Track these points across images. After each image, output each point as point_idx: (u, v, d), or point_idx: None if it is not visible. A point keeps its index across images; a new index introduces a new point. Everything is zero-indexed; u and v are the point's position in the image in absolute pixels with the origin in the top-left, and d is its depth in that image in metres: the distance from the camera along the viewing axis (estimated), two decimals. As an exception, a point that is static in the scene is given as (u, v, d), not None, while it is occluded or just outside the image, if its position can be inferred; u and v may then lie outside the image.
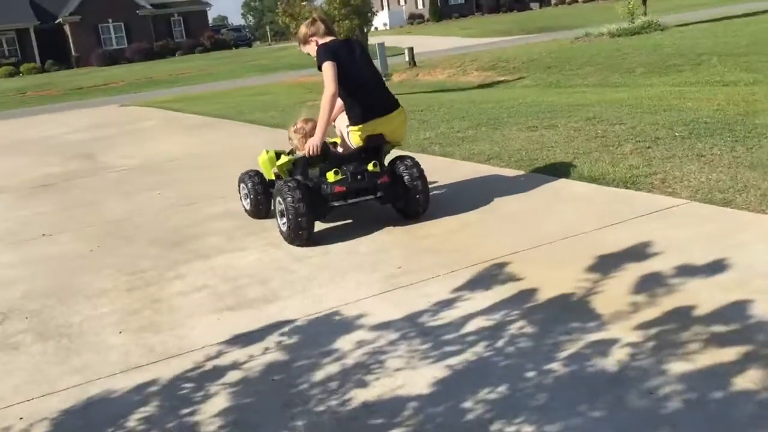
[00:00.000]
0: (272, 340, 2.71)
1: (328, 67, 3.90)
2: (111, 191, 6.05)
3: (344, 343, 2.60)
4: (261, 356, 2.57)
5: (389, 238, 3.81)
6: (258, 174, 4.48)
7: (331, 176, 3.86)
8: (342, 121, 4.13)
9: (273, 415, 2.17)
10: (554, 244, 3.39)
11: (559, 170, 4.78)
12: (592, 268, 3.01)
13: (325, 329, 2.76)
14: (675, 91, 8.49)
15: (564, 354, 2.29)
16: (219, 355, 2.64)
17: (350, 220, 4.23)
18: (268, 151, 4.42)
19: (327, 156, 3.95)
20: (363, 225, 4.08)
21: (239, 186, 4.61)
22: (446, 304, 2.85)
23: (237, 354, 2.62)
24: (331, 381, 2.33)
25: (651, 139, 5.38)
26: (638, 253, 3.10)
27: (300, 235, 3.77)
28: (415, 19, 65.62)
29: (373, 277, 3.24)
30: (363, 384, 2.28)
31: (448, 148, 6.07)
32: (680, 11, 26.28)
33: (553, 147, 5.54)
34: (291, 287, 3.25)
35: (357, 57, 4.11)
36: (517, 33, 30.78)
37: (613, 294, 2.71)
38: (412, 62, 18.41)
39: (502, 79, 13.97)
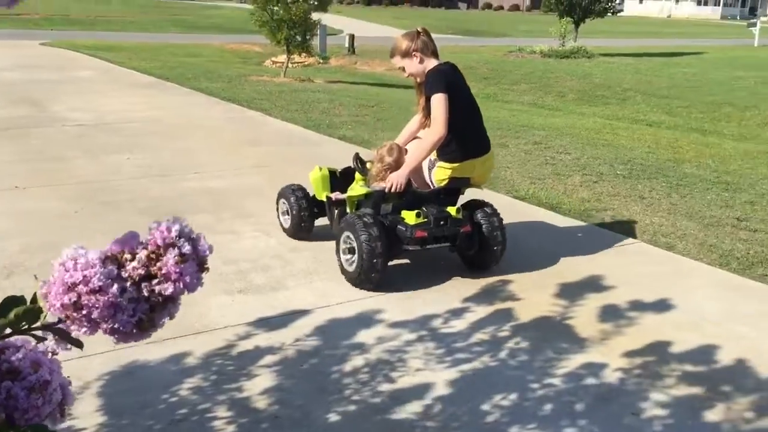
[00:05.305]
0: (293, 327, 3.00)
1: (441, 100, 3.44)
2: (74, 148, 6.04)
3: (361, 338, 2.92)
4: (289, 342, 2.86)
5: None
6: (302, 190, 4.04)
7: (411, 218, 3.42)
8: (416, 147, 3.69)
9: (314, 399, 2.47)
10: (530, 266, 3.82)
11: (519, 192, 5.24)
12: (566, 295, 3.45)
13: (339, 323, 3.07)
14: (607, 124, 9.21)
15: (558, 371, 2.71)
16: (247, 336, 2.90)
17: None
18: (321, 168, 4.00)
19: (405, 192, 3.57)
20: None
21: (278, 201, 4.15)
22: (455, 313, 3.22)
23: (264, 337, 2.89)
24: (359, 373, 2.65)
25: (596, 173, 5.95)
26: (604, 285, 3.58)
27: (372, 278, 3.36)
28: (345, -1, 65.30)
29: (370, 278, 3.56)
30: (390, 379, 2.62)
31: (410, 153, 6.43)
32: (599, 36, 27.72)
33: (509, 167, 6.01)
34: (294, 278, 3.53)
35: (465, 85, 3.72)
36: (446, 32, 31.55)
37: (589, 321, 3.16)
38: (352, 49, 18.61)
39: (440, 81, 14.48)
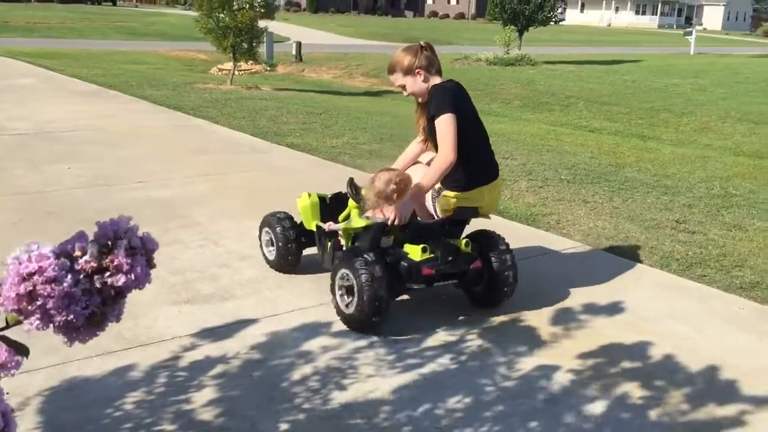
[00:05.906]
0: (242, 336, 2.96)
1: (449, 122, 3.08)
2: (13, 158, 5.87)
3: (310, 346, 2.91)
4: (236, 352, 2.83)
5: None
6: (289, 218, 3.66)
7: (416, 253, 3.07)
8: (417, 172, 3.33)
9: (262, 409, 2.45)
10: (476, 271, 3.86)
11: (466, 199, 5.30)
12: (512, 299, 3.49)
13: (288, 332, 3.05)
14: (551, 131, 9.39)
15: (508, 373, 2.75)
16: (194, 347, 2.86)
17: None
18: (310, 195, 3.60)
19: (408, 225, 3.18)
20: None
21: (261, 230, 3.76)
22: (405, 319, 3.22)
23: (211, 348, 2.86)
24: (309, 381, 2.64)
25: (541, 178, 6.06)
26: (550, 288, 3.64)
27: (373, 323, 3.00)
28: (291, 6, 65.22)
29: (319, 287, 3.55)
30: (341, 386, 2.61)
31: (358, 161, 6.45)
32: (542, 44, 28.25)
33: (456, 174, 6.07)
34: (242, 287, 3.50)
35: (472, 105, 3.32)
36: (392, 39, 31.68)
37: (537, 324, 3.22)
38: (299, 57, 18.56)
39: (387, 89, 14.53)
